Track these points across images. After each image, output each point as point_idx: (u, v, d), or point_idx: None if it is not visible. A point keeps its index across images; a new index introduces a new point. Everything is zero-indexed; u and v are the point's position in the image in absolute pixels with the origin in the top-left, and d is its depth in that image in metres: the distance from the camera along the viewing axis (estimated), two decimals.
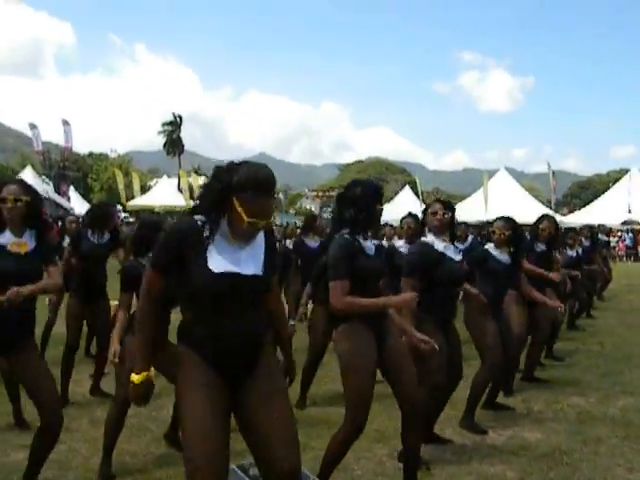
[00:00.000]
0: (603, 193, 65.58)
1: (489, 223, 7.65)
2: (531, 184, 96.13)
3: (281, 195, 60.83)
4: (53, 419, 3.51)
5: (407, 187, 45.93)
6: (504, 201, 35.21)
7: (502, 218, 5.43)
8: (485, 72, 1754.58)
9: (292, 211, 63.09)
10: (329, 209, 70.91)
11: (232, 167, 2.50)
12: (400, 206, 41.47)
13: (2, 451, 4.47)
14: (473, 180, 64.99)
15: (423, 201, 38.86)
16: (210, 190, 2.50)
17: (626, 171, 78.19)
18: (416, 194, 42.50)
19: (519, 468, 4.35)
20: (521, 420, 5.43)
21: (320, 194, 75.50)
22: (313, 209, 72.26)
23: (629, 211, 32.13)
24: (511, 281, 5.48)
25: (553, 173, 36.10)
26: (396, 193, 65.60)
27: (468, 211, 34.70)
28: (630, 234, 32.25)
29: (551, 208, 35.06)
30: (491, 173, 41.60)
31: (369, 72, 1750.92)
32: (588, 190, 70.25)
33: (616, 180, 73.29)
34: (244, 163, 2.51)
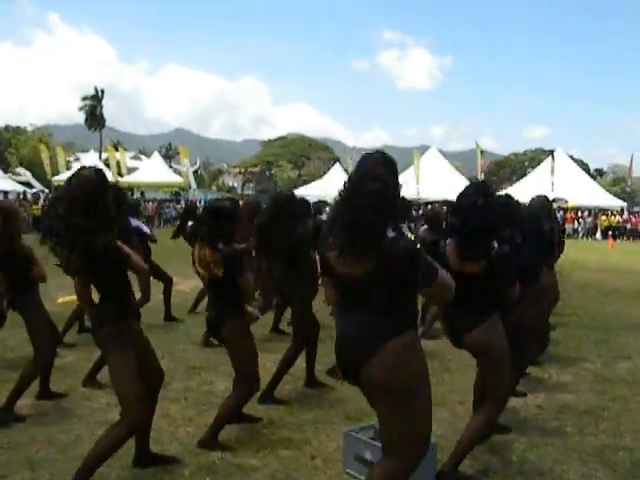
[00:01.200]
0: (520, 171, 68.79)
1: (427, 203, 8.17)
2: (450, 162, 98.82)
3: (202, 171, 59.87)
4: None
5: (337, 164, 46.38)
6: (435, 179, 36.37)
7: None
8: (405, 50, 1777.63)
9: (214, 187, 62.36)
10: (251, 185, 70.84)
11: None
12: (330, 183, 42.07)
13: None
14: (393, 157, 66.20)
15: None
16: None
17: (542, 151, 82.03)
18: (345, 171, 42.97)
19: (572, 424, 4.80)
20: (547, 384, 5.89)
21: (242, 170, 75.38)
22: (235, 185, 71.83)
23: (552, 190, 33.79)
24: None
25: (482, 152, 37.41)
26: (324, 171, 66.37)
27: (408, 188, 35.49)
28: (560, 212, 33.93)
29: None
30: (422, 150, 42.60)
31: (288, 48, 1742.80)
32: (505, 169, 72.98)
33: (532, 159, 76.87)
34: None
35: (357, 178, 2.74)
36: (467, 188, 3.80)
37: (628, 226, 35.79)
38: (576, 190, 33.69)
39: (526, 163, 75.66)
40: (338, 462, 4.01)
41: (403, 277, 2.64)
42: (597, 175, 68.11)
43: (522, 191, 35.35)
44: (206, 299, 4.97)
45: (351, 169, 3.02)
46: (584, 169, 50.54)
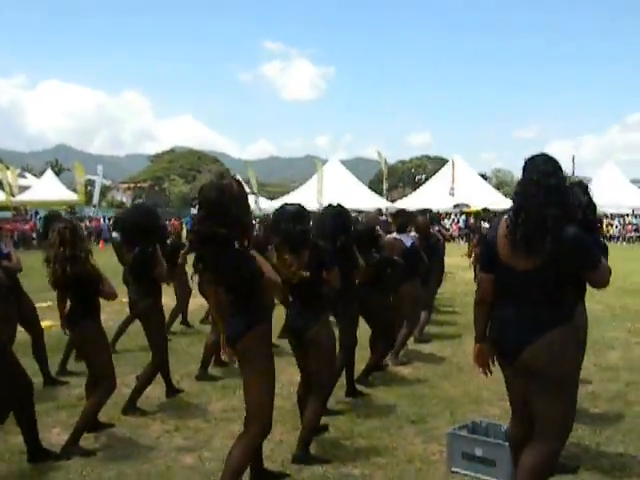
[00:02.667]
0: (408, 178, 71.25)
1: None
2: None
3: (91, 187, 57.69)
4: None
5: (238, 177, 46.00)
6: (339, 189, 37.00)
7: None
8: (288, 61, 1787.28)
9: (104, 204, 60.17)
10: (141, 200, 68.82)
11: None
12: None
13: None
14: (279, 168, 67.13)
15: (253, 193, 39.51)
16: None
17: (428, 157, 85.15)
18: (246, 183, 42.90)
19: (612, 409, 5.21)
20: None
21: (131, 186, 73.32)
22: (124, 201, 69.61)
23: (452, 195, 35.44)
24: None
25: (385, 161, 38.52)
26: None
27: (302, 200, 35.85)
28: (463, 216, 35.50)
29: (383, 194, 37.65)
30: (307, 161, 42.91)
31: (170, 61, 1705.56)
32: (393, 176, 75.23)
33: (419, 166, 79.77)
34: None
35: (534, 177, 2.97)
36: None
37: None
38: (475, 195, 35.45)
39: (413, 170, 78.77)
40: (436, 462, 4.17)
41: (573, 264, 2.93)
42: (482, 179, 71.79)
43: (424, 196, 37.05)
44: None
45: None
46: None
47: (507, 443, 3.66)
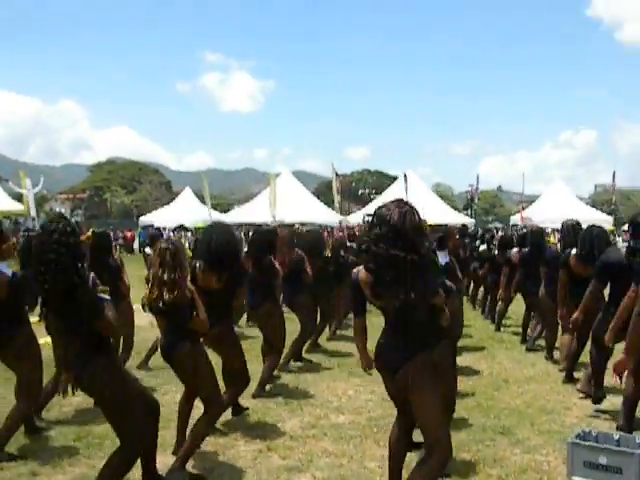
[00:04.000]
0: (349, 192, 71.94)
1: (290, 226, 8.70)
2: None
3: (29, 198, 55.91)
4: None
5: (188, 189, 45.51)
6: (292, 202, 37.01)
7: None
8: (228, 73, 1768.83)
9: (42, 214, 58.27)
10: (80, 211, 67.17)
11: None
12: (183, 209, 41.49)
13: None
14: (218, 180, 66.73)
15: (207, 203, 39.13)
16: None
17: (368, 171, 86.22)
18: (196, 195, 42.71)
19: None
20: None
21: (70, 196, 71.22)
22: (64, 211, 67.66)
23: None
24: None
25: (337, 175, 38.71)
26: (157, 196, 64.60)
27: (255, 213, 35.88)
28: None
29: (335, 208, 37.82)
30: (246, 173, 42.89)
31: (108, 70, 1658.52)
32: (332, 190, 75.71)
33: (359, 180, 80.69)
34: None
35: None
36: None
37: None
38: (430, 210, 36.01)
39: (354, 184, 79.71)
40: (550, 472, 4.28)
41: None
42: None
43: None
44: None
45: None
46: None
47: (635, 451, 3.83)
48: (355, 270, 3.49)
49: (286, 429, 5.27)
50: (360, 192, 74.06)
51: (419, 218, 3.33)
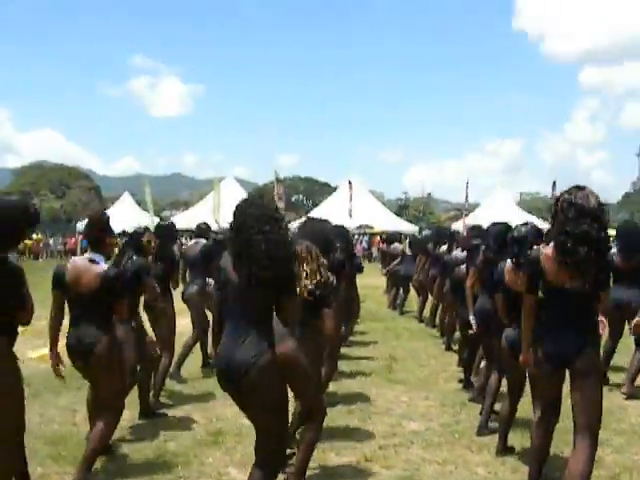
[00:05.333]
0: (284, 198, 71.93)
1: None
2: (202, 189, 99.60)
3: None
4: None
5: (127, 194, 44.30)
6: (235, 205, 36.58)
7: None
8: (157, 78, 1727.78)
9: None
10: None
11: None
12: (122, 214, 40.41)
13: None
14: (144, 185, 65.19)
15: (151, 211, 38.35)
16: None
17: (299, 178, 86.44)
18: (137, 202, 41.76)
19: None
20: None
21: None
22: None
23: (350, 216, 36.14)
24: None
25: (278, 180, 38.55)
26: (85, 201, 62.60)
27: (197, 220, 35.27)
28: (366, 237, 36.26)
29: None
30: (174, 179, 42.44)
31: (34, 71, 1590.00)
32: (267, 197, 75.41)
33: (290, 187, 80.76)
34: None
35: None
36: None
37: None
38: (376, 216, 36.44)
39: (287, 190, 79.83)
40: None
41: None
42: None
43: (321, 216, 37.40)
44: None
45: None
46: None
47: None
48: (536, 248, 3.81)
49: (367, 438, 5.23)
50: (294, 198, 74.06)
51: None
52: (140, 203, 39.79)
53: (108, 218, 4.44)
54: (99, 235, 4.30)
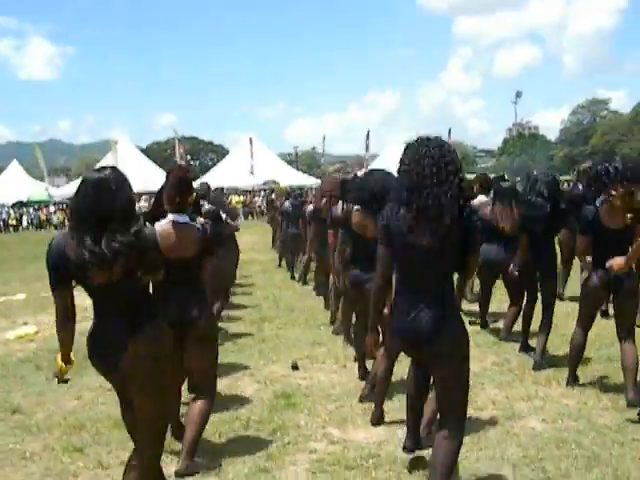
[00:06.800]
0: (168, 160, 69.79)
1: None
2: (79, 155, 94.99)
3: None
4: None
5: (15, 162, 41.51)
6: (134, 171, 35.17)
7: None
8: (23, 39, 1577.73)
9: None
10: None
11: None
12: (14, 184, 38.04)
13: None
14: (20, 154, 61.39)
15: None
16: None
17: (184, 137, 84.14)
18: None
19: None
20: None
21: None
22: None
23: (252, 173, 35.78)
24: None
25: (179, 140, 37.39)
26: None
27: None
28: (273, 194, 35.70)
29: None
30: (48, 145, 40.76)
31: None
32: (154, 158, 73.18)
33: (173, 146, 78.44)
34: None
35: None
36: None
37: None
38: (276, 173, 36.23)
39: (168, 151, 77.57)
40: None
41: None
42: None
43: (224, 175, 36.90)
44: None
45: None
46: None
47: None
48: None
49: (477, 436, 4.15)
50: (176, 159, 71.99)
51: None
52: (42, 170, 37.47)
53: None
54: (183, 195, 3.88)
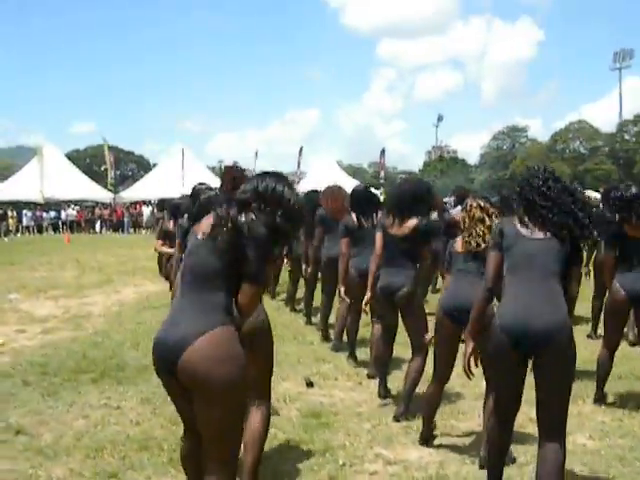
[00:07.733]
0: (87, 168, 67.67)
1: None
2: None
3: None
4: None
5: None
6: (59, 178, 33.83)
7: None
8: None
9: None
10: None
11: None
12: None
13: None
14: None
15: None
16: None
17: (108, 146, 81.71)
18: None
19: None
20: None
21: None
22: None
23: (183, 185, 35.06)
24: None
25: (109, 147, 36.35)
26: None
27: (18, 191, 32.51)
28: None
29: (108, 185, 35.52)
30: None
31: None
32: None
33: (94, 156, 76.25)
34: None
35: None
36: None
37: None
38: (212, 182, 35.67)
39: (87, 160, 75.10)
40: None
41: None
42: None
43: (152, 187, 35.94)
44: None
45: None
46: None
47: None
48: None
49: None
50: (103, 168, 69.88)
51: None
52: None
53: None
54: None
